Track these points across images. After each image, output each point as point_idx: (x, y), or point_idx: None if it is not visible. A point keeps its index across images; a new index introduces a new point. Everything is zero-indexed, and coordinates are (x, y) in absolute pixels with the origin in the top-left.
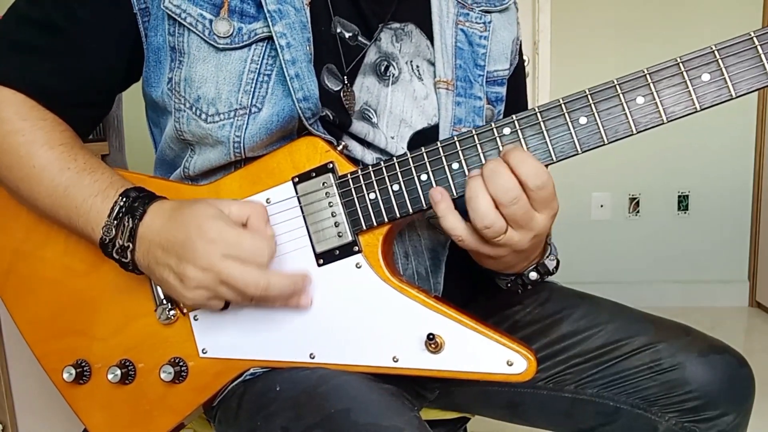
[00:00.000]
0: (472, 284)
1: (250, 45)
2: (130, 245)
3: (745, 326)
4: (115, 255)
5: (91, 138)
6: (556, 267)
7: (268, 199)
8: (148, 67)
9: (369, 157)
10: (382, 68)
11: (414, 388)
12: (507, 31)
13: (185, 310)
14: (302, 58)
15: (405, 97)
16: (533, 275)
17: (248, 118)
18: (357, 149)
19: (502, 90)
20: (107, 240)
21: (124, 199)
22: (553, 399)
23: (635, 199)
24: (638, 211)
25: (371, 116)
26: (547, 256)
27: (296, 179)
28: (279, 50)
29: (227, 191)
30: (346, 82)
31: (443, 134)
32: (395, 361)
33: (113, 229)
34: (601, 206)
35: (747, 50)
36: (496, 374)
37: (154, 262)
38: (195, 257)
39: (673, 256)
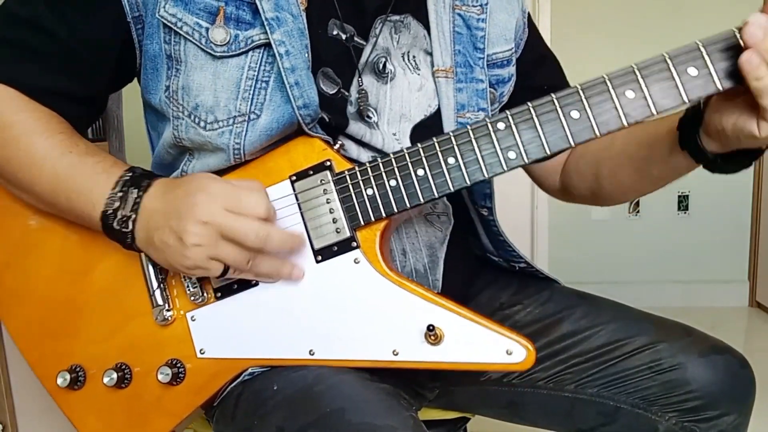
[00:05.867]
0: (471, 282)
1: (247, 52)
2: (133, 215)
3: (745, 326)
4: (116, 226)
5: (91, 138)
6: None
7: None
8: (146, 74)
9: (364, 156)
10: (380, 66)
11: (413, 387)
12: (505, 12)
13: (181, 312)
14: (301, 66)
15: (402, 91)
16: None
17: (247, 125)
18: (353, 149)
19: (503, 72)
20: (110, 211)
21: (130, 174)
22: (553, 399)
23: (635, 199)
24: (638, 211)
25: (372, 115)
26: None
27: (294, 177)
28: (278, 58)
29: None
30: (342, 83)
31: (446, 123)
32: (395, 355)
33: (117, 200)
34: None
35: (732, 47)
36: (496, 364)
37: (153, 228)
38: (196, 211)
39: (673, 256)
